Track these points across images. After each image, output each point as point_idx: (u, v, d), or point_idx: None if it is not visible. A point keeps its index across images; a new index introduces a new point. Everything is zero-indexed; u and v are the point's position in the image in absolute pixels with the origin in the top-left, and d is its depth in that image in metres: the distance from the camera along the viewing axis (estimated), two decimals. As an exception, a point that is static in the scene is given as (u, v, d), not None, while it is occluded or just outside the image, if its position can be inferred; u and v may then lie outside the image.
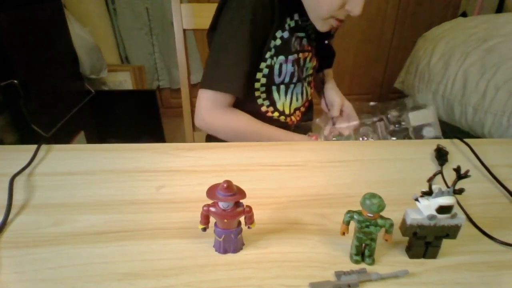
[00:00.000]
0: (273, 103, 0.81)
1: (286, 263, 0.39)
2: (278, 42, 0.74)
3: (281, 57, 0.76)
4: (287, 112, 0.83)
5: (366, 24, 2.16)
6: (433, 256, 0.40)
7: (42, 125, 1.32)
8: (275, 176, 0.55)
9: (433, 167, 0.58)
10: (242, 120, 0.74)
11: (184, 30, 0.98)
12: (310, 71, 0.86)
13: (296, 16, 0.76)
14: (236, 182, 0.37)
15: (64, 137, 1.49)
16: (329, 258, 0.40)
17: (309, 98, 0.90)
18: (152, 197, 0.50)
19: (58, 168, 0.55)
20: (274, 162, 0.58)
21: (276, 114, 0.82)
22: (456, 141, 0.65)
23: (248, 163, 0.58)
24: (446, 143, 0.63)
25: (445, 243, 0.39)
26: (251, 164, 0.57)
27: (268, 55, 0.75)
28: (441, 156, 0.59)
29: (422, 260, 0.40)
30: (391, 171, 0.57)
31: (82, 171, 0.54)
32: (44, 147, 0.60)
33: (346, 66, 2.25)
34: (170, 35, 2.14)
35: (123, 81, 2.06)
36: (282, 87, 0.80)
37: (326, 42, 0.82)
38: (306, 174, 0.55)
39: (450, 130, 1.43)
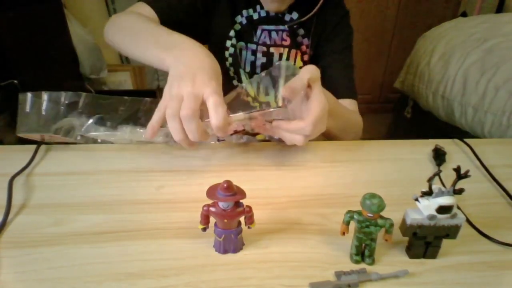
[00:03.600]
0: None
1: (286, 263, 0.39)
2: (238, 27, 0.78)
3: (241, 43, 0.79)
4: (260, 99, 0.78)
5: (366, 24, 2.16)
6: (433, 256, 0.40)
7: (42, 125, 1.32)
8: (275, 176, 0.55)
9: (432, 167, 0.58)
10: (125, 17, 0.67)
11: (184, 30, 0.98)
12: (297, 72, 0.82)
13: (259, 8, 0.77)
14: (236, 182, 0.37)
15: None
16: (329, 258, 0.40)
17: None
18: (152, 197, 0.50)
19: (57, 168, 0.55)
20: (274, 162, 0.58)
21: (249, 98, 0.73)
22: (457, 141, 0.65)
23: (248, 163, 0.58)
24: (446, 143, 0.63)
25: (445, 243, 0.39)
26: (251, 164, 0.57)
27: (232, 33, 0.77)
28: (439, 156, 0.59)
29: (422, 260, 0.40)
30: (391, 171, 0.57)
31: (82, 171, 0.54)
32: (43, 147, 0.60)
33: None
34: (170, 35, 2.14)
35: (123, 81, 2.06)
36: (247, 75, 0.81)
37: (287, 26, 0.76)
38: (306, 174, 0.55)
39: (450, 130, 1.43)
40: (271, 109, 0.51)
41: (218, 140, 0.60)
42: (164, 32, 0.59)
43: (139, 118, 0.59)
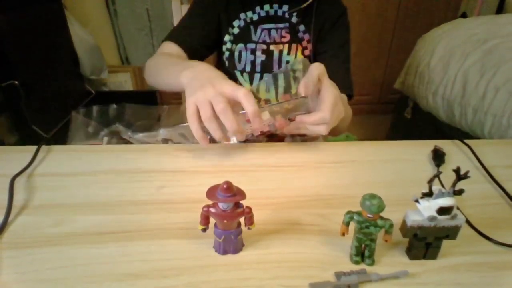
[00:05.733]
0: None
1: (286, 264, 0.39)
2: (236, 30, 0.82)
3: (240, 45, 0.83)
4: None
5: (366, 25, 2.16)
6: (433, 257, 0.40)
7: (42, 126, 1.32)
8: (274, 177, 0.55)
9: (431, 168, 0.58)
10: (156, 58, 0.77)
11: (185, 31, 0.98)
12: (299, 66, 0.84)
13: (258, 9, 0.81)
14: (236, 183, 0.37)
15: (64, 138, 1.49)
16: (329, 258, 0.40)
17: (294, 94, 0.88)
18: (152, 197, 0.50)
19: (58, 168, 0.55)
20: (273, 163, 0.58)
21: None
22: (456, 141, 0.65)
23: (248, 164, 0.58)
24: (446, 144, 0.63)
25: (445, 244, 0.39)
26: (251, 165, 0.57)
27: (227, 38, 0.83)
28: (438, 157, 0.59)
29: (421, 261, 0.40)
30: (390, 171, 0.57)
31: (82, 172, 0.54)
32: (44, 147, 0.60)
33: (346, 67, 2.24)
34: (171, 36, 2.14)
35: (123, 81, 2.07)
36: (245, 74, 0.84)
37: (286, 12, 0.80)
38: (305, 175, 0.55)
39: (450, 131, 1.43)
40: (296, 98, 0.56)
41: (246, 141, 0.63)
42: (178, 61, 0.70)
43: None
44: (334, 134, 0.78)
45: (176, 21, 0.98)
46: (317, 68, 0.55)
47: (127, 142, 0.64)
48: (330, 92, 0.55)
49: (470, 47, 1.38)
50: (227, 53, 0.84)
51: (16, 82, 1.23)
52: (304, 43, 0.83)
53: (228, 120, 0.50)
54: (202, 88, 0.52)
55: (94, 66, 1.84)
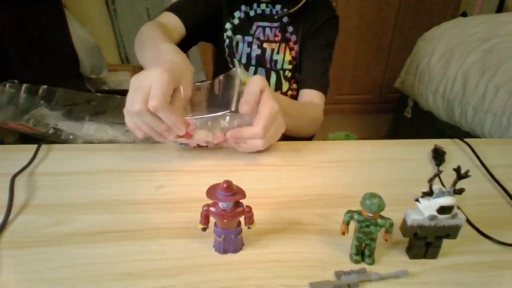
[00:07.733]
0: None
1: (286, 263, 0.39)
2: (236, 21, 0.83)
3: (239, 36, 0.84)
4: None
5: (366, 24, 2.16)
6: (434, 256, 0.40)
7: (42, 125, 1.32)
8: (275, 176, 0.55)
9: (432, 167, 0.58)
10: (147, 27, 0.72)
11: (184, 30, 0.98)
12: (288, 66, 0.86)
13: (255, 6, 0.82)
14: (236, 182, 0.37)
15: (64, 137, 1.49)
16: (329, 258, 0.40)
17: (284, 92, 0.89)
18: (152, 197, 0.50)
19: (58, 168, 0.55)
20: (274, 162, 0.58)
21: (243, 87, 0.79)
22: (457, 141, 0.65)
23: (248, 163, 0.58)
24: (446, 143, 0.63)
25: (445, 243, 0.39)
26: (251, 164, 0.57)
27: (228, 26, 0.83)
28: (438, 156, 0.59)
29: (422, 260, 0.40)
30: (390, 171, 0.57)
31: (82, 171, 0.54)
32: (44, 147, 0.60)
33: (346, 66, 2.25)
34: (170, 35, 2.14)
35: (123, 80, 2.06)
36: (241, 65, 0.86)
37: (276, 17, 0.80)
38: (305, 174, 0.55)
39: (450, 130, 1.43)
40: (222, 113, 0.53)
41: (180, 144, 0.60)
42: (157, 44, 0.62)
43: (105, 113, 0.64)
44: (300, 135, 0.76)
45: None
46: (257, 84, 0.53)
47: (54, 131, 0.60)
48: (267, 107, 0.52)
49: (470, 46, 1.38)
50: (227, 41, 0.85)
51: (15, 81, 1.23)
52: (291, 44, 0.84)
53: (147, 123, 0.48)
54: (133, 99, 0.47)
55: (94, 65, 1.84)
